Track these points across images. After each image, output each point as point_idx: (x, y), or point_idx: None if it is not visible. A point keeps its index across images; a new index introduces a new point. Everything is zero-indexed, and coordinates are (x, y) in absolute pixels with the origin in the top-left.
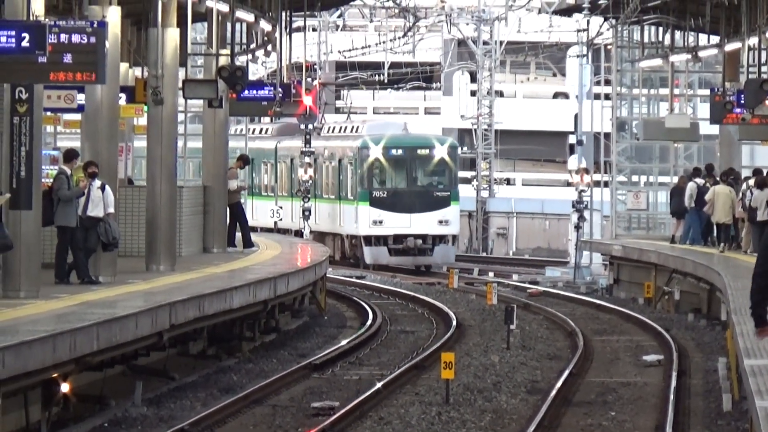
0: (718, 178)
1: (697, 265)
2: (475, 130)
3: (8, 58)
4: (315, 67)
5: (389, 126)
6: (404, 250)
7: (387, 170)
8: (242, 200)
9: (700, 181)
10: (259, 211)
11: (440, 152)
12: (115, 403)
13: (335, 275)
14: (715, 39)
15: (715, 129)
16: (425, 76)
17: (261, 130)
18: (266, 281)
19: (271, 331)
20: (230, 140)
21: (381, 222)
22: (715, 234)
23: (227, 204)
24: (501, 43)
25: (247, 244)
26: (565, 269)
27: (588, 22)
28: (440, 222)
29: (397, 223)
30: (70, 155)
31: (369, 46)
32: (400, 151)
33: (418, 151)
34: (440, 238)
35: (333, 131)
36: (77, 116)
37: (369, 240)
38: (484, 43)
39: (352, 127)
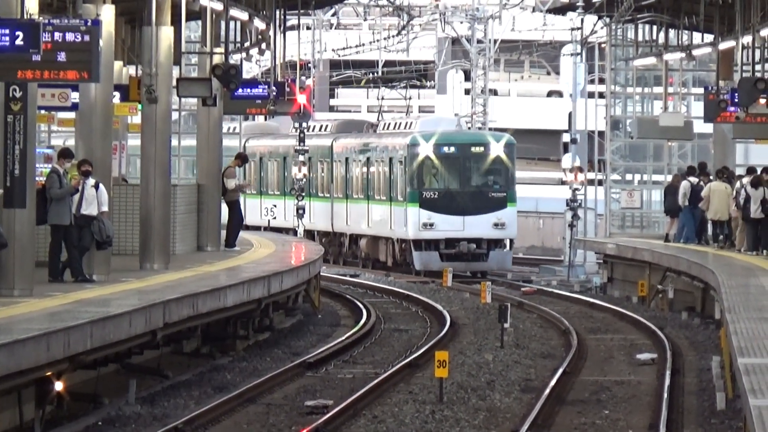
0: (712, 177)
1: (691, 263)
2: (469, 128)
3: (2, 57)
4: (309, 65)
5: (442, 122)
6: (457, 255)
7: (438, 169)
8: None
9: (693, 179)
10: (316, 215)
11: (496, 149)
12: (108, 401)
13: (329, 273)
14: (709, 37)
15: (709, 127)
16: (419, 75)
17: (320, 126)
18: (260, 279)
19: (265, 330)
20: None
21: (432, 225)
22: (710, 232)
23: (226, 202)
24: (495, 41)
25: (230, 243)
26: (559, 267)
27: (582, 20)
28: (496, 225)
29: (449, 226)
30: (63, 154)
31: (363, 45)
32: (452, 149)
33: (472, 149)
34: (496, 242)
35: (388, 128)
36: (71, 115)
37: (419, 244)
38: (478, 41)
39: (406, 124)
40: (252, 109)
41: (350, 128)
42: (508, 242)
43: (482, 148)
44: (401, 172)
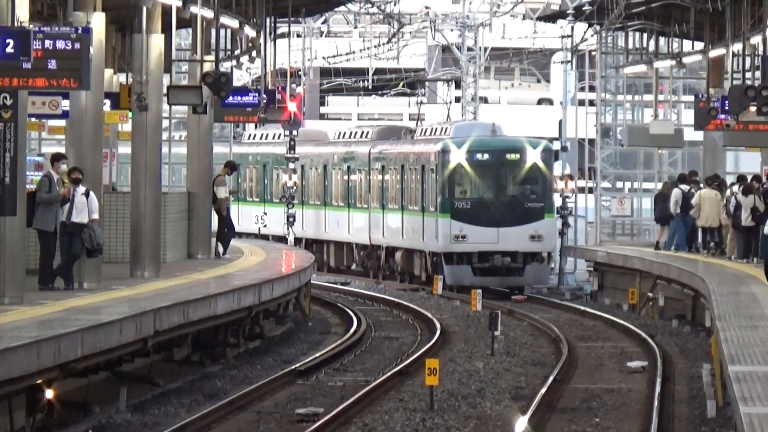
0: (702, 184)
1: (681, 271)
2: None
3: None
4: (299, 73)
5: (476, 127)
6: (491, 270)
7: (471, 177)
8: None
9: (684, 187)
10: (355, 227)
11: (532, 156)
12: (99, 409)
13: (319, 281)
14: (699, 45)
15: (699, 135)
16: (409, 83)
17: (361, 133)
18: (251, 287)
19: (256, 338)
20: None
21: (464, 237)
22: (699, 239)
23: (217, 211)
24: (485, 49)
25: (222, 249)
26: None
27: (572, 28)
28: (532, 237)
29: (482, 239)
30: (57, 157)
31: (353, 53)
32: (486, 156)
33: (507, 156)
34: (532, 256)
35: (424, 134)
36: (62, 122)
37: (450, 258)
38: (469, 49)
39: (441, 129)
40: (242, 117)
41: (390, 135)
42: (546, 256)
43: (518, 155)
44: (433, 180)
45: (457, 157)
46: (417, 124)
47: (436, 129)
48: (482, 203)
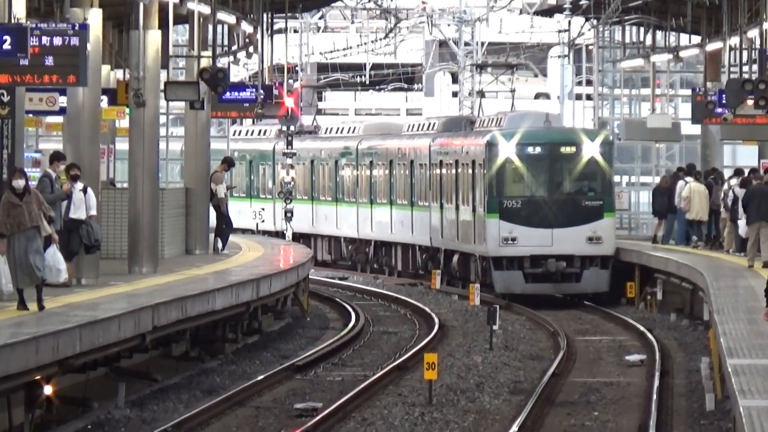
0: (689, 177)
1: (679, 265)
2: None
3: None
4: (296, 68)
5: (528, 117)
6: (544, 276)
7: (522, 174)
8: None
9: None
10: (417, 228)
11: (590, 150)
12: (97, 405)
13: (317, 276)
14: (696, 39)
15: (696, 129)
16: (407, 77)
17: (427, 125)
18: (249, 283)
19: (254, 333)
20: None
21: (514, 240)
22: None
23: (215, 208)
24: (482, 43)
25: (220, 245)
26: None
27: (569, 22)
28: (590, 239)
29: (534, 241)
30: (56, 156)
31: (350, 48)
32: (538, 149)
33: (562, 149)
34: (590, 260)
35: (482, 125)
36: (59, 119)
37: (499, 262)
38: (466, 44)
39: (495, 120)
40: (239, 112)
41: (454, 126)
42: (605, 260)
43: (574, 148)
44: (480, 176)
45: (506, 151)
46: (478, 114)
47: (492, 120)
48: (534, 202)
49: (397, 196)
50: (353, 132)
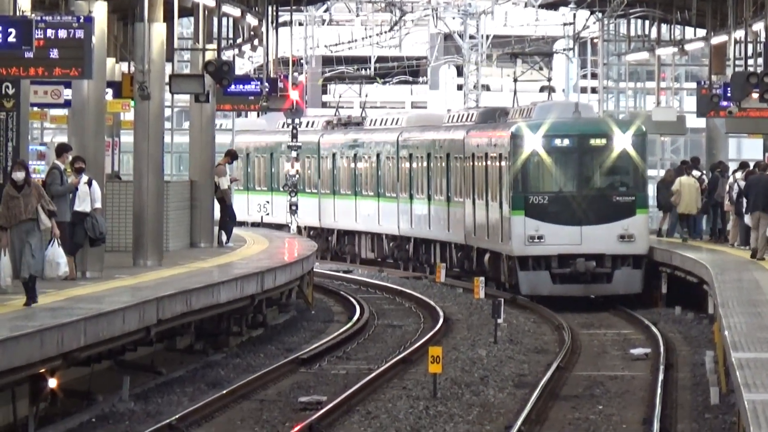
0: (696, 171)
1: (684, 258)
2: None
3: None
4: (301, 61)
5: (556, 107)
6: (572, 276)
7: (549, 168)
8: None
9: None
10: (452, 224)
11: (621, 142)
12: (102, 398)
13: (322, 269)
14: (701, 32)
15: (701, 122)
16: (412, 71)
17: (466, 116)
18: (253, 276)
19: (259, 326)
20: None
21: (541, 238)
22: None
23: (220, 200)
24: (487, 36)
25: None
26: None
27: (574, 15)
28: (622, 237)
29: (562, 240)
30: (64, 148)
31: (355, 41)
32: (566, 141)
33: (591, 141)
34: (622, 259)
35: (514, 116)
36: (64, 111)
37: (525, 262)
38: (471, 37)
39: (527, 111)
40: (244, 105)
41: (489, 117)
42: (637, 260)
43: (604, 141)
44: (506, 170)
45: (532, 143)
46: (513, 105)
47: (523, 111)
48: (562, 198)
49: (435, 191)
50: (396, 124)
